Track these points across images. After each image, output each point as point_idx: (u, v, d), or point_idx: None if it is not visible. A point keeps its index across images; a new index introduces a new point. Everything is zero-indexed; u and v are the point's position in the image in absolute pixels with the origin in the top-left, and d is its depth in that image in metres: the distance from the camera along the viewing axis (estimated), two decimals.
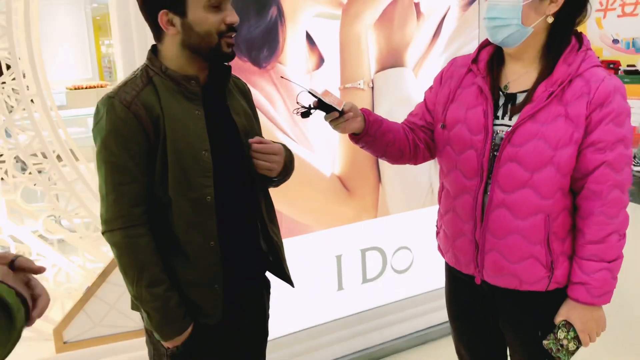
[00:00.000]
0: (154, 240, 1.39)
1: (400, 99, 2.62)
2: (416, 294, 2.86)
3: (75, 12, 8.41)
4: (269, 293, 1.68)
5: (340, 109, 1.47)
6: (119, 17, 2.17)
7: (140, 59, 2.26)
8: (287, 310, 2.52)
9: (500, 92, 1.47)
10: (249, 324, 1.61)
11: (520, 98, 1.44)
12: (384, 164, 2.67)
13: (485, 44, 1.54)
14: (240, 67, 2.23)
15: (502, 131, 1.44)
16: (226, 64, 1.47)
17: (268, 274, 1.67)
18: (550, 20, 1.39)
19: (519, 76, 1.46)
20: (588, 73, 1.38)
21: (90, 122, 4.85)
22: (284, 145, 1.56)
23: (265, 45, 2.30)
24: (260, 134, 1.56)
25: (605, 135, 1.35)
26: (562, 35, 1.41)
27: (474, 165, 1.47)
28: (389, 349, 2.80)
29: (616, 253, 1.38)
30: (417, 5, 2.61)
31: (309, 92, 1.48)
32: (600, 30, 10.54)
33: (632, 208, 1.51)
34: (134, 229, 1.36)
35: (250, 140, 1.48)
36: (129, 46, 2.24)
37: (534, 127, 1.38)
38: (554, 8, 1.38)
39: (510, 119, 1.44)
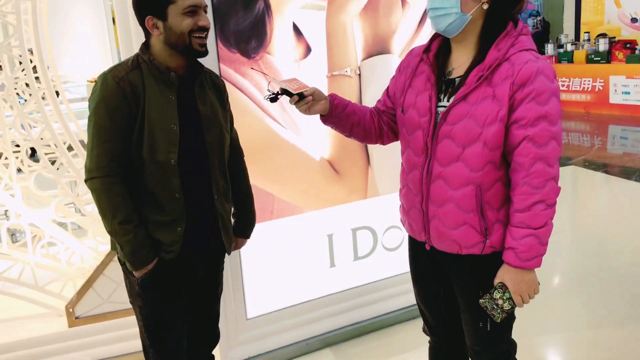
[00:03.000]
0: (126, 188, 1.70)
1: (386, 85, 2.73)
2: (405, 271, 2.97)
3: (94, 6, 8.70)
4: (223, 254, 2.01)
5: (297, 93, 1.67)
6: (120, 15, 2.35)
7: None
8: (282, 285, 2.68)
9: (443, 79, 1.61)
10: (205, 272, 1.95)
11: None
12: (372, 147, 2.79)
13: (437, 34, 1.66)
14: (230, 58, 2.38)
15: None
16: (200, 61, 1.80)
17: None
18: (486, 6, 1.51)
19: (462, 63, 1.59)
20: (515, 57, 1.50)
21: None
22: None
23: (253, 37, 2.44)
24: (225, 124, 1.89)
25: (526, 112, 1.47)
26: (497, 21, 1.53)
27: (421, 144, 1.63)
28: (378, 323, 2.94)
29: (543, 221, 1.49)
30: None
31: (274, 80, 1.74)
32: (618, 9, 10.40)
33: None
34: (109, 177, 1.68)
35: None
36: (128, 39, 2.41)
37: (465, 108, 1.53)
38: None
39: (448, 101, 1.58)
